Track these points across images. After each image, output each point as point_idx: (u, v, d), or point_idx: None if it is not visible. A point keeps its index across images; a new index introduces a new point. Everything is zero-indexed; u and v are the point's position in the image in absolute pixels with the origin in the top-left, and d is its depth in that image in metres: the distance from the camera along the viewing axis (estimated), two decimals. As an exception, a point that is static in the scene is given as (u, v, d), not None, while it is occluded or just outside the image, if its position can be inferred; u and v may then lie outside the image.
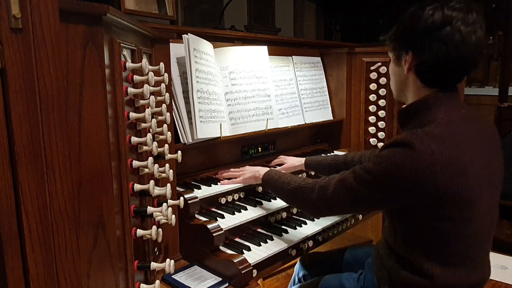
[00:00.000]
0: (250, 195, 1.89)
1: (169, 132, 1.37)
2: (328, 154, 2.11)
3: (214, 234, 1.48)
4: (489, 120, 1.32)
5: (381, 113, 2.49)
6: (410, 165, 1.08)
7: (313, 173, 2.08)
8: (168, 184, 1.23)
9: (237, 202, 1.81)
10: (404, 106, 1.29)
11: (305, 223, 1.83)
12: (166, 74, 1.31)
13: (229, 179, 1.82)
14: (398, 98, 1.38)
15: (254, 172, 1.75)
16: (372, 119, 2.54)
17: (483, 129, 1.23)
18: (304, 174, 2.06)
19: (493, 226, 1.26)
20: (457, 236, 1.16)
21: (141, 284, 1.15)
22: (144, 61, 1.15)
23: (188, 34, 1.69)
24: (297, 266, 1.91)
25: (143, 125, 1.20)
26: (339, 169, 1.86)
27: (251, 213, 1.72)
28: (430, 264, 1.17)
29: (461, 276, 1.19)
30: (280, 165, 2.04)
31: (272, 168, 1.73)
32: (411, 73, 1.23)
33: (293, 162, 1.99)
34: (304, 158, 1.99)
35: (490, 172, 1.18)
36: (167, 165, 1.32)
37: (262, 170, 1.71)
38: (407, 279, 1.22)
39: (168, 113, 1.34)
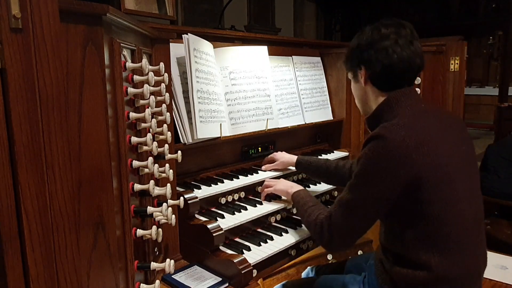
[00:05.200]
0: (250, 195, 1.90)
1: (169, 132, 1.37)
2: (320, 157, 2.10)
3: (214, 234, 1.48)
4: (450, 111, 1.47)
5: (381, 113, 2.48)
6: (385, 153, 1.18)
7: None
8: (168, 184, 1.23)
9: (237, 202, 1.81)
10: (370, 113, 1.41)
11: (305, 223, 1.83)
12: (166, 74, 1.31)
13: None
14: (365, 113, 1.48)
15: (287, 186, 1.75)
16: (372, 119, 2.53)
17: (445, 117, 1.35)
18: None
19: (480, 212, 1.31)
20: (445, 219, 1.20)
21: (141, 284, 1.15)
22: (144, 61, 1.15)
23: (188, 34, 1.69)
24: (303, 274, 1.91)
25: (143, 125, 1.20)
26: (329, 173, 1.87)
27: (251, 213, 1.72)
28: (427, 254, 1.21)
29: (458, 263, 1.22)
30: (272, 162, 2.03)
31: (304, 188, 1.71)
32: (368, 84, 1.38)
33: (283, 160, 1.98)
34: (296, 156, 1.98)
35: (461, 153, 1.28)
36: (167, 165, 1.32)
37: (295, 188, 1.71)
38: (408, 276, 1.24)
39: (168, 113, 1.34)
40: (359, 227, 1.32)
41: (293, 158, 1.98)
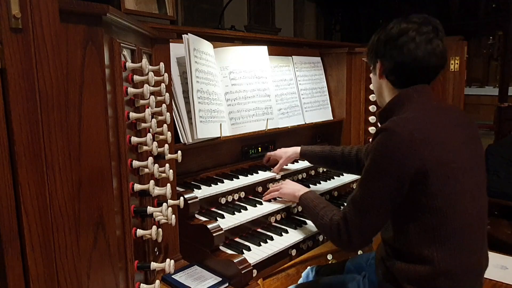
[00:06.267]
0: (250, 195, 1.90)
1: (169, 132, 1.37)
2: (325, 146, 2.10)
3: (214, 234, 1.48)
4: (462, 111, 1.45)
5: (381, 113, 2.49)
6: (392, 146, 1.19)
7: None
8: (168, 184, 1.23)
9: (237, 202, 1.81)
10: (382, 107, 1.43)
11: (305, 223, 1.83)
12: (166, 74, 1.31)
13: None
14: (380, 104, 1.50)
15: (294, 190, 1.74)
16: (372, 119, 2.53)
17: (457, 116, 1.35)
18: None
19: (484, 210, 1.31)
20: (449, 214, 1.20)
21: (141, 284, 1.15)
22: (144, 61, 1.15)
23: (188, 34, 1.69)
24: (304, 274, 1.91)
25: (143, 125, 1.20)
26: (335, 161, 1.89)
27: (251, 213, 1.72)
28: (430, 249, 1.21)
29: (460, 259, 1.22)
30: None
31: (311, 190, 1.71)
32: (383, 78, 1.39)
33: (287, 154, 1.98)
34: (299, 148, 1.99)
35: (469, 151, 1.28)
36: (167, 165, 1.32)
37: (302, 190, 1.70)
38: (410, 271, 1.24)
39: (168, 113, 1.34)
40: (375, 222, 1.31)
41: (297, 149, 1.99)
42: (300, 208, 1.88)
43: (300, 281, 1.89)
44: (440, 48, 1.30)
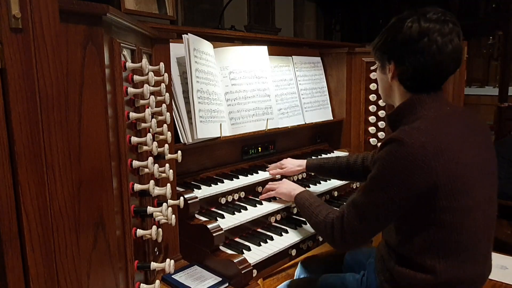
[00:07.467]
0: (250, 195, 1.90)
1: (169, 132, 1.37)
2: (330, 156, 2.09)
3: (214, 234, 1.48)
4: (476, 115, 1.38)
5: (381, 113, 2.49)
6: (403, 159, 1.13)
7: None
8: (168, 184, 1.23)
9: (237, 202, 1.81)
10: (392, 110, 1.36)
11: (305, 223, 1.83)
12: (166, 74, 1.31)
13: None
14: (386, 102, 1.46)
15: (290, 189, 1.75)
16: (372, 119, 2.54)
17: (470, 122, 1.28)
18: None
19: (493, 219, 1.27)
20: (457, 228, 1.17)
21: (141, 284, 1.15)
22: (144, 61, 1.15)
23: (188, 34, 1.69)
24: (297, 270, 1.90)
25: (143, 125, 1.20)
26: (341, 172, 1.86)
27: (251, 213, 1.72)
28: (433, 260, 1.18)
29: (464, 270, 1.19)
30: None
31: (306, 189, 1.70)
32: (395, 80, 1.30)
33: (292, 166, 1.97)
34: (305, 161, 1.98)
35: (482, 162, 1.23)
36: (167, 165, 1.32)
37: (297, 190, 1.70)
38: (411, 278, 1.22)
39: (168, 113, 1.34)
40: (373, 229, 1.29)
41: (302, 162, 1.97)
42: (300, 208, 1.87)
43: (296, 272, 1.88)
44: (459, 46, 1.21)
